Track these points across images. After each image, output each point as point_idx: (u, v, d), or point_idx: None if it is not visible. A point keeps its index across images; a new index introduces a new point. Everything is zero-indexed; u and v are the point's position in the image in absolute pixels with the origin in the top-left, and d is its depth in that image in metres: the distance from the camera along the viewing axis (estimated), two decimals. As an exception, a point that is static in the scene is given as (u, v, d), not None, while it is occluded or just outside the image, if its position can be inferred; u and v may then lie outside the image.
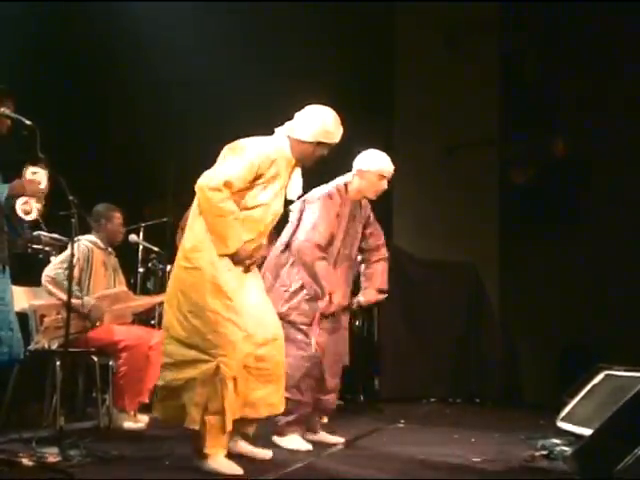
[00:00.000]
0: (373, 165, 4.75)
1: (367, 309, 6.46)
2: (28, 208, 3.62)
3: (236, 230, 3.73)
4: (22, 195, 3.59)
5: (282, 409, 3.99)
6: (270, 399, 3.87)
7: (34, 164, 3.62)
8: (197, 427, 3.60)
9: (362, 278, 4.93)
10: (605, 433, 3.30)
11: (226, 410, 3.59)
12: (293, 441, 4.46)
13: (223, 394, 3.58)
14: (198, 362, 3.62)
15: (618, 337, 7.62)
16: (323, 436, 4.75)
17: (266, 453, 4.03)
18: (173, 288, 3.77)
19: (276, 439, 4.47)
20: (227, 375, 3.60)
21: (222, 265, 3.71)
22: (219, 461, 3.63)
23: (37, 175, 3.62)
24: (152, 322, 5.99)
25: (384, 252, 4.96)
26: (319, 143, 3.95)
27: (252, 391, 3.78)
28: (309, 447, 4.43)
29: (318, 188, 4.74)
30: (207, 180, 3.72)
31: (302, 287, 4.54)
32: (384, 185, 4.79)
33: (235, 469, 3.60)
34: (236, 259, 3.76)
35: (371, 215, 4.95)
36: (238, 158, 3.78)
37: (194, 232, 3.77)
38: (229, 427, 3.63)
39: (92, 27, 7.24)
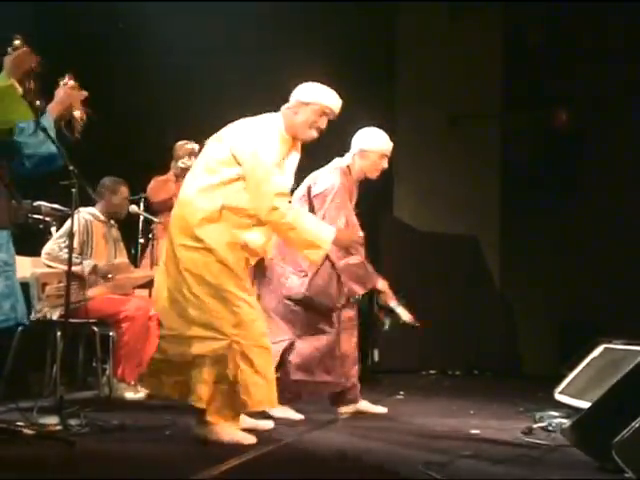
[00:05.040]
0: (375, 144, 4.68)
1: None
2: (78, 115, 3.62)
3: (314, 228, 3.70)
4: (66, 105, 3.59)
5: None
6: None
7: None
8: (203, 406, 3.55)
9: None
10: (603, 406, 3.31)
11: (240, 386, 3.52)
12: (282, 412, 4.37)
13: (237, 370, 3.51)
14: (208, 339, 3.52)
15: (618, 310, 7.65)
16: (366, 406, 4.79)
17: (267, 424, 4.01)
18: (178, 267, 3.60)
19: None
20: (240, 352, 3.52)
21: (232, 247, 3.60)
22: (230, 431, 3.57)
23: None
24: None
25: None
26: (302, 104, 3.76)
27: (269, 370, 3.69)
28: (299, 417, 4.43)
29: (322, 172, 4.64)
30: (261, 207, 3.59)
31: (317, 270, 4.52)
32: (385, 164, 4.75)
33: (249, 438, 3.56)
34: (341, 247, 3.88)
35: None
36: (260, 167, 3.60)
37: (200, 210, 3.59)
38: (248, 406, 3.58)
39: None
